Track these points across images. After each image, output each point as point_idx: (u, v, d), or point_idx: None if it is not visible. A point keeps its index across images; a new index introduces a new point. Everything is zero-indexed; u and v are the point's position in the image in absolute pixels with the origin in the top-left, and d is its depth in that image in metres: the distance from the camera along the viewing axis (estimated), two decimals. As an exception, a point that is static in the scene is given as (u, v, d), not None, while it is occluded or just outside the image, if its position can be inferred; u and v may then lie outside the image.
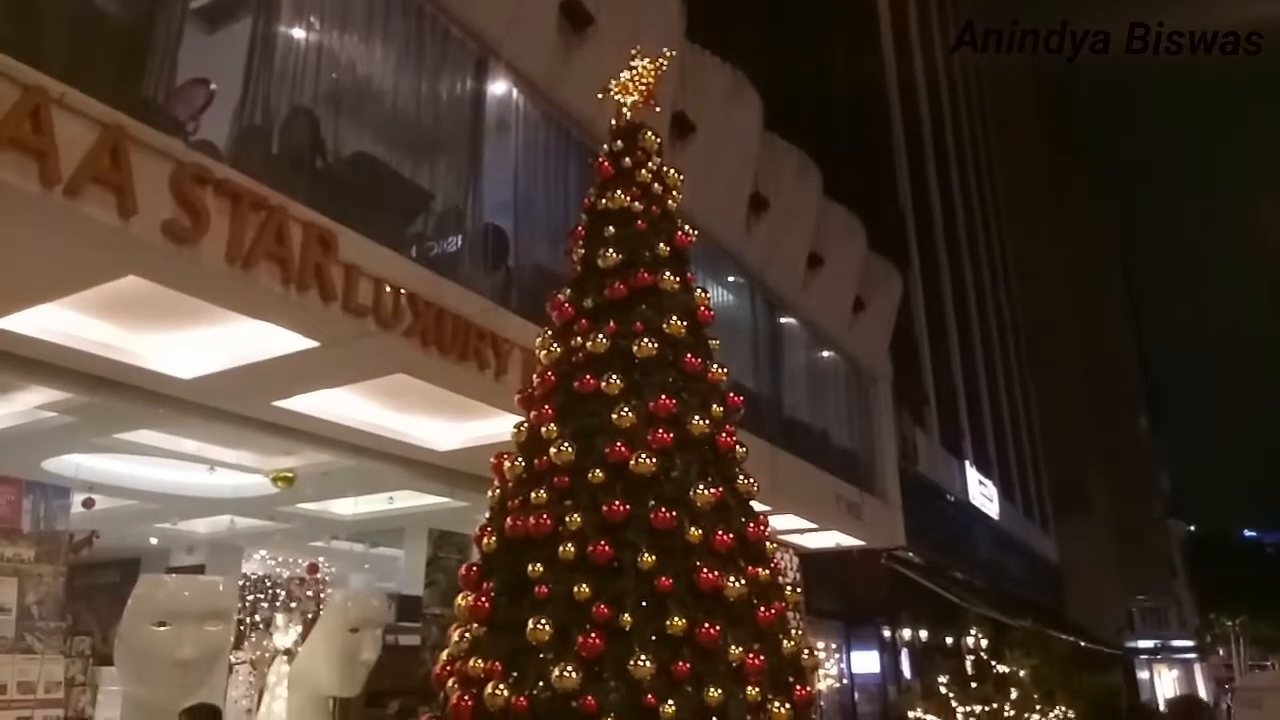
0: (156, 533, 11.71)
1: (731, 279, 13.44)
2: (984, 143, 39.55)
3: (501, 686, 3.31)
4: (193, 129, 5.74)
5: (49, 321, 5.75)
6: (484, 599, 3.66)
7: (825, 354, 16.62)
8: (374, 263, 6.10)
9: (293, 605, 11.25)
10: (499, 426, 6.92)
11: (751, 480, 4.06)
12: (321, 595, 11.03)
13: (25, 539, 6.11)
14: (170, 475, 9.51)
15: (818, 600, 15.77)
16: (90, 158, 4.53)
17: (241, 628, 10.66)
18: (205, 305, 5.68)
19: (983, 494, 28.57)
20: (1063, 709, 14.47)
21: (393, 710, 9.06)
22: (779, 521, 12.32)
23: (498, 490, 4.05)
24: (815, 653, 3.88)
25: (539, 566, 3.54)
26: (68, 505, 6.63)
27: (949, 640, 23.22)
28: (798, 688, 3.60)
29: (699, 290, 4.44)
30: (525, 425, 4.08)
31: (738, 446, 4.09)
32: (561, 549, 3.53)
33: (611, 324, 4.08)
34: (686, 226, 4.53)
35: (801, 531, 14.22)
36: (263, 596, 11.63)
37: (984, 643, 18.94)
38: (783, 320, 15.12)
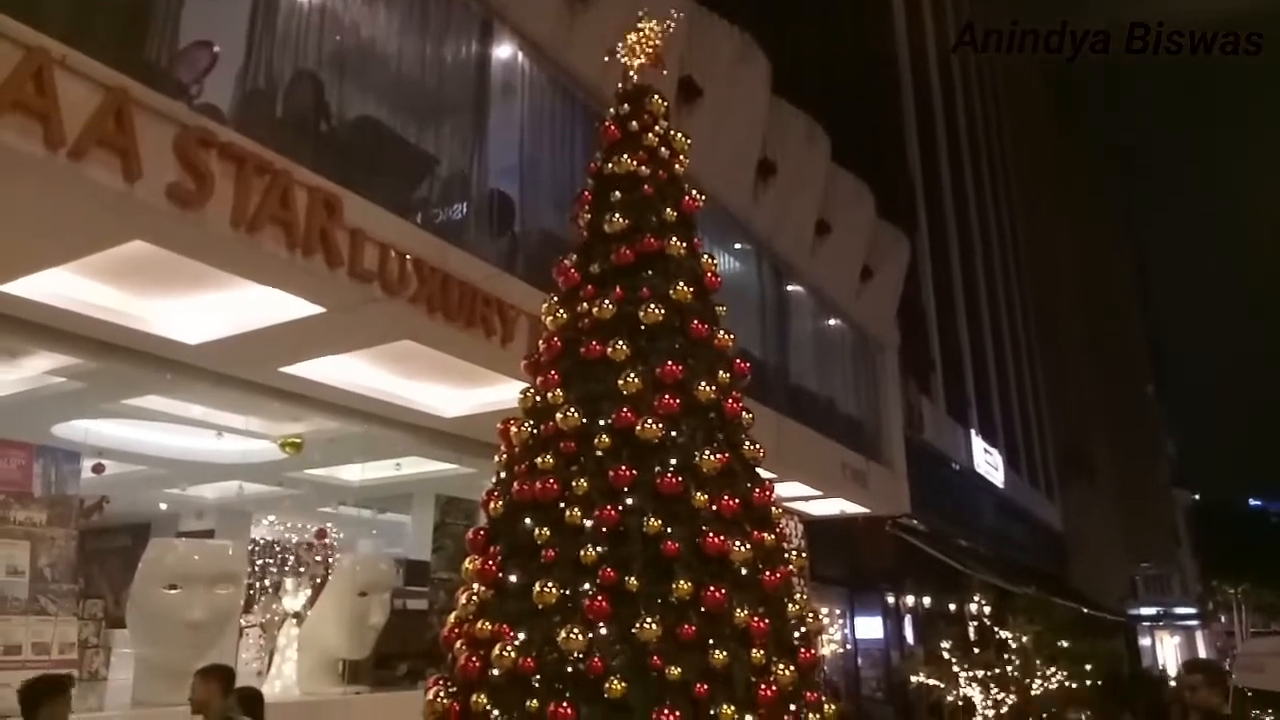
0: (166, 498, 11.82)
1: (738, 246, 13.38)
2: (994, 111, 39.09)
3: (509, 648, 3.34)
4: (196, 92, 5.69)
5: (56, 286, 5.75)
6: (491, 562, 3.68)
7: (832, 322, 16.58)
8: (379, 228, 6.08)
9: (301, 570, 11.35)
10: (505, 393, 6.93)
11: (757, 446, 4.06)
12: (330, 560, 11.12)
13: (36, 503, 6.15)
14: (178, 440, 9.58)
15: (822, 567, 15.89)
16: (94, 121, 4.50)
17: (251, 592, 10.76)
18: (211, 270, 5.68)
19: (987, 462, 28.61)
20: (1064, 674, 14.60)
21: (401, 672, 9.15)
22: (784, 489, 12.36)
23: (504, 456, 4.06)
24: (819, 617, 3.90)
25: (545, 531, 3.56)
26: (78, 470, 6.67)
27: (952, 607, 23.39)
28: (802, 651, 3.63)
29: (706, 256, 4.41)
30: (531, 391, 4.08)
31: (744, 412, 4.09)
32: (568, 513, 3.54)
33: (618, 289, 4.06)
34: (694, 191, 4.49)
35: (807, 499, 14.28)
36: (272, 561, 11.74)
37: (987, 609, 19.09)
38: (790, 288, 15.06)
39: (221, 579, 6.82)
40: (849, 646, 19.86)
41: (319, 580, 10.26)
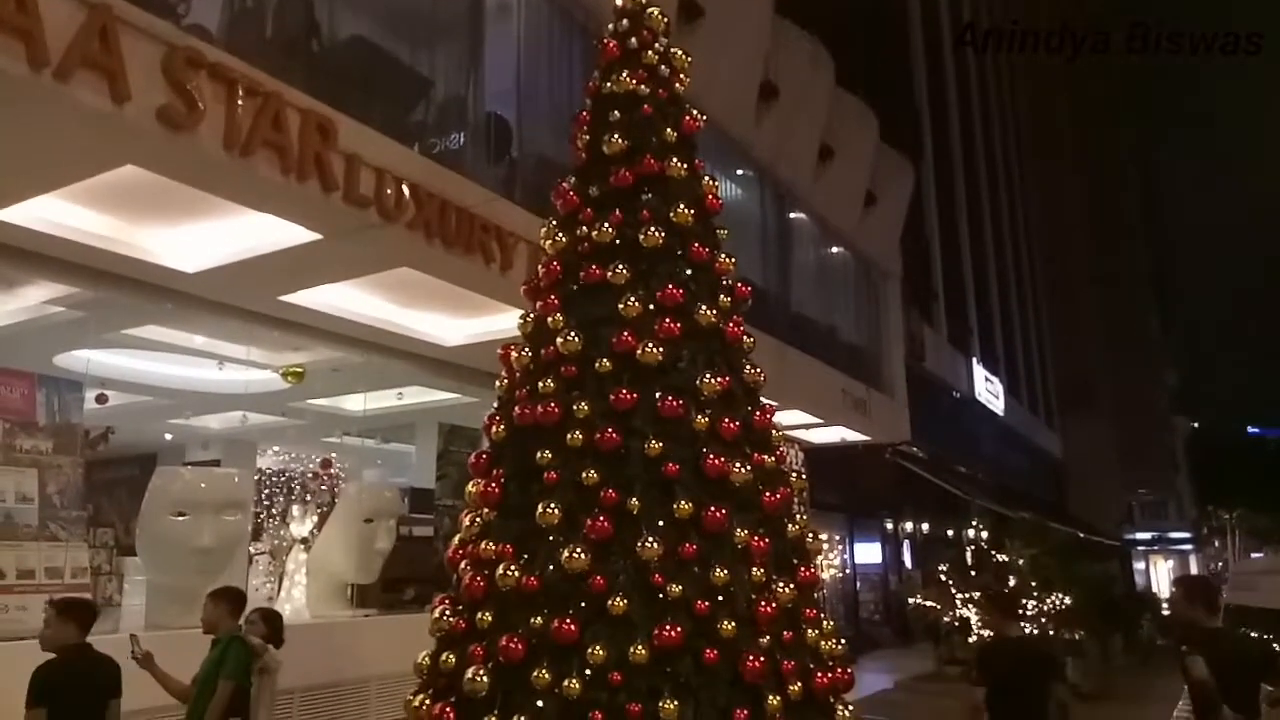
0: (171, 429, 11.90)
1: (740, 172, 13.19)
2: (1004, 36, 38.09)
3: (513, 567, 3.39)
4: (184, 11, 5.54)
5: (52, 214, 5.69)
6: (494, 485, 3.71)
7: (834, 249, 16.45)
8: (375, 152, 5.97)
9: (308, 498, 11.51)
10: (506, 322, 6.91)
11: (758, 370, 4.06)
12: (335, 489, 11.26)
13: (42, 431, 6.18)
14: (180, 371, 9.59)
15: (822, 494, 16.06)
16: (79, 39, 4.37)
17: (259, 520, 10.93)
18: (206, 197, 5.60)
19: (988, 390, 28.74)
20: (1059, 596, 14.88)
21: (408, 597, 9.33)
22: (785, 417, 12.40)
23: (505, 381, 4.07)
24: (819, 538, 3.95)
25: (547, 453, 3.58)
26: (81, 399, 6.68)
27: (950, 532, 23.76)
28: (801, 569, 3.68)
29: (707, 178, 4.34)
30: (531, 316, 4.06)
31: (745, 337, 4.07)
32: (569, 436, 3.56)
33: (617, 213, 4.01)
34: (694, 111, 4.40)
35: (807, 427, 14.36)
36: (278, 490, 11.90)
37: (984, 534, 19.37)
38: (791, 215, 14.90)
39: (228, 506, 6.90)
40: (848, 572, 20.24)
41: (325, 508, 10.41)
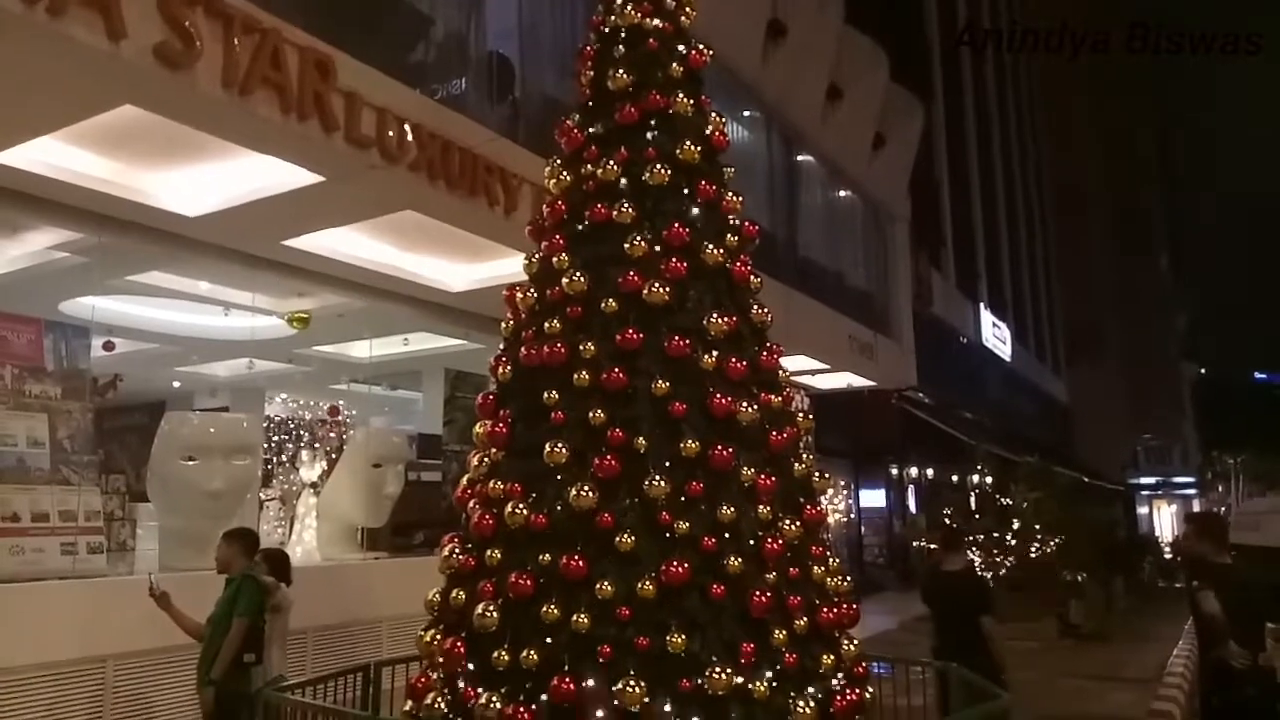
0: (179, 376, 11.95)
1: (747, 113, 12.98)
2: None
3: (521, 506, 3.40)
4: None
5: (52, 157, 5.64)
6: (501, 425, 3.71)
7: (842, 193, 16.27)
8: (375, 92, 5.87)
9: (316, 444, 11.60)
10: (511, 267, 6.85)
11: (765, 310, 4.02)
12: (344, 436, 11.34)
13: (50, 376, 6.21)
14: (186, 318, 9.60)
15: (827, 440, 16.12)
16: (71, -25, 4.28)
17: (268, 466, 11.04)
18: (207, 139, 5.53)
19: (995, 336, 28.67)
20: (1062, 538, 15.02)
21: (418, 540, 9.46)
22: (791, 362, 12.39)
23: (511, 322, 4.04)
24: (825, 476, 3.95)
25: (554, 394, 3.57)
26: (88, 345, 6.69)
27: (955, 478, 23.92)
28: (808, 507, 3.69)
29: (713, 115, 4.25)
30: (537, 257, 4.02)
31: (752, 276, 4.03)
32: (576, 376, 3.54)
33: (622, 150, 3.94)
34: (700, 45, 4.29)
35: (813, 373, 14.36)
36: (287, 437, 12.00)
37: (989, 479, 19.49)
38: (799, 157, 14.70)
39: (238, 450, 6.95)
40: (853, 516, 20.42)
41: (333, 454, 10.49)
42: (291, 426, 12.22)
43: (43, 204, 6.06)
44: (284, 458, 11.68)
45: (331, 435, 11.90)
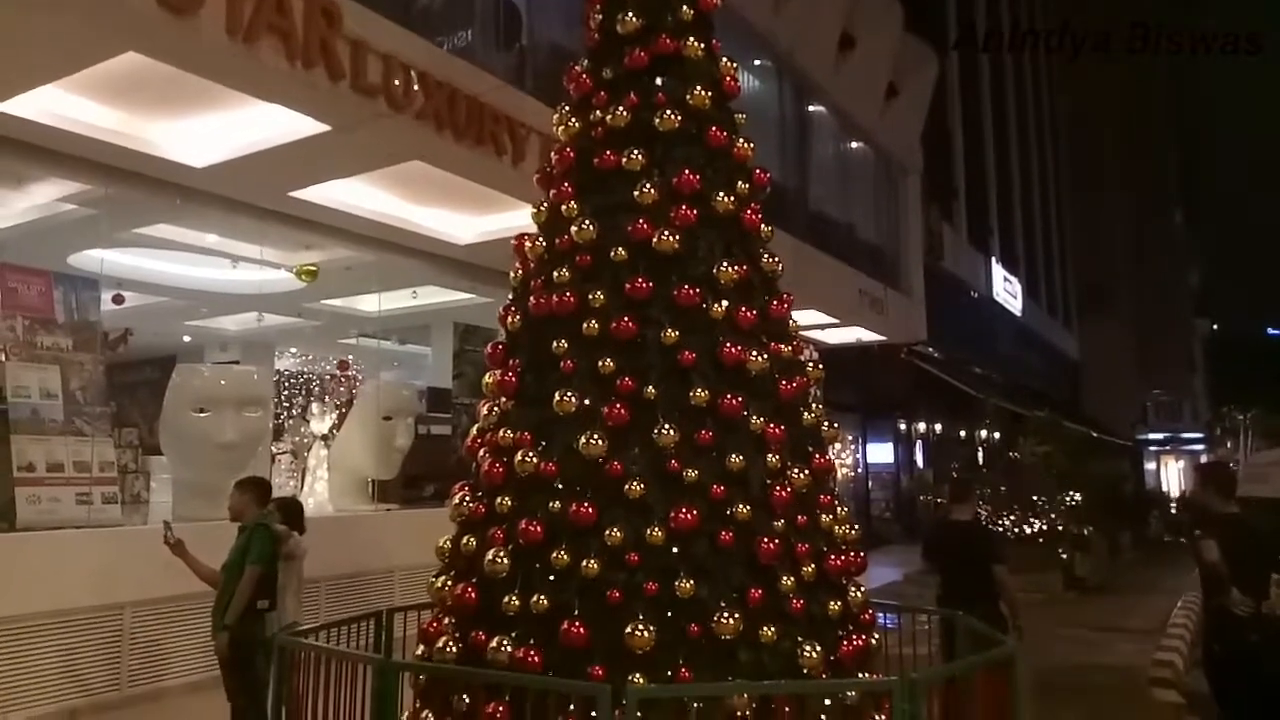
0: (189, 331, 11.99)
1: (758, 62, 12.76)
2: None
3: (531, 454, 3.41)
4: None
5: (58, 107, 5.59)
6: (511, 374, 3.71)
7: (854, 144, 16.05)
8: (381, 39, 5.79)
9: (326, 398, 11.66)
10: (518, 219, 6.80)
11: (776, 259, 3.99)
12: (353, 390, 11.39)
13: (61, 328, 6.23)
14: (195, 271, 9.60)
15: (836, 395, 16.11)
16: (70, -82, 4.20)
17: (279, 420, 11.11)
18: (213, 88, 5.47)
19: (1006, 290, 28.48)
20: (1071, 493, 15.07)
21: (428, 493, 9.54)
22: (801, 317, 12.31)
23: (520, 271, 4.02)
24: (834, 426, 3.95)
25: (563, 343, 3.56)
26: (97, 297, 6.70)
27: (963, 433, 23.95)
28: (816, 456, 3.69)
29: (724, 60, 4.18)
30: (545, 205, 3.98)
31: (763, 225, 3.98)
32: (585, 325, 3.52)
33: (632, 96, 3.87)
34: (711, -14, 4.19)
35: (823, 327, 14.31)
36: (297, 391, 12.06)
37: (997, 435, 19.49)
38: (810, 108, 14.48)
39: (248, 402, 6.99)
40: (860, 471, 20.49)
41: (344, 408, 10.54)
42: (301, 380, 12.28)
43: (49, 155, 6.03)
44: (294, 412, 11.75)
45: (341, 389, 11.95)
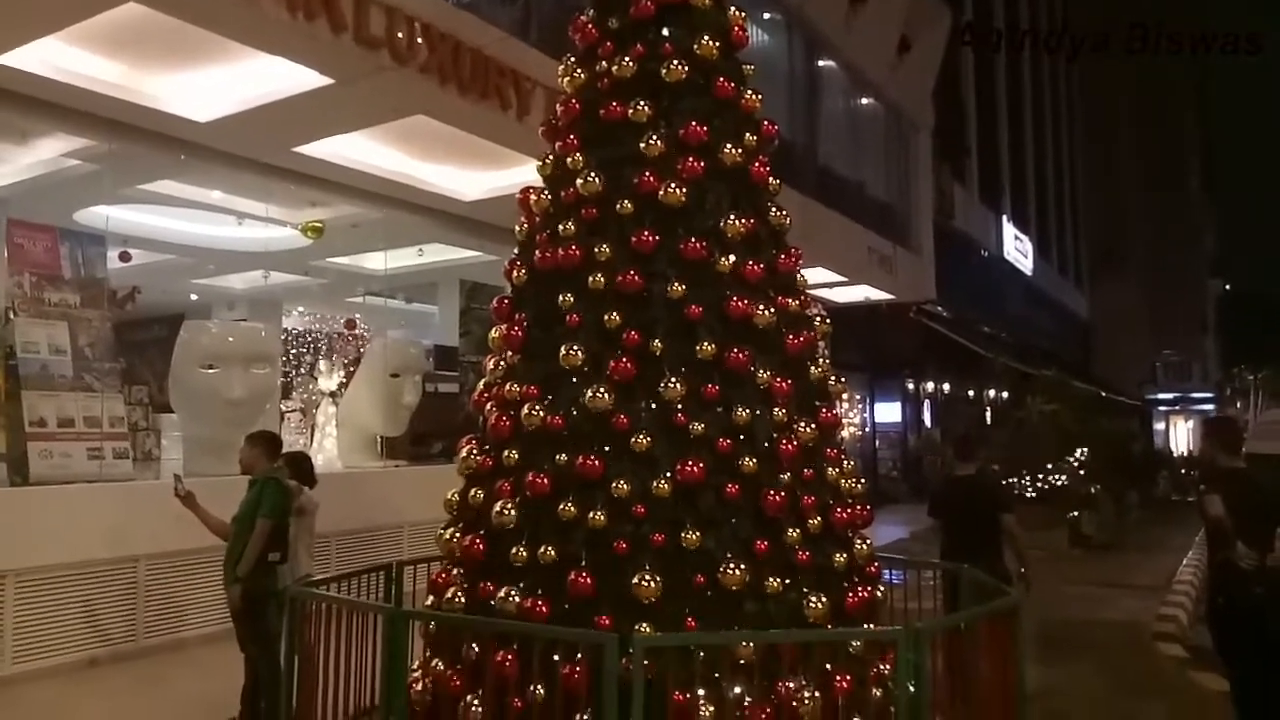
0: (196, 289, 11.99)
1: (767, 16, 12.54)
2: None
3: (538, 408, 3.42)
4: None
5: (61, 60, 5.54)
6: (517, 328, 3.70)
7: (865, 100, 15.82)
8: (384, -10, 5.70)
9: (333, 356, 11.69)
10: (524, 175, 6.72)
11: (784, 212, 3.94)
12: (361, 348, 11.41)
13: (68, 284, 6.23)
14: (201, 228, 9.57)
15: (844, 354, 16.07)
16: None
17: (288, 378, 11.15)
18: (215, 40, 5.41)
19: (1017, 249, 28.22)
20: (1080, 452, 15.07)
21: (436, 450, 9.60)
22: (809, 275, 12.21)
23: (525, 225, 3.99)
24: (841, 380, 3.93)
25: (569, 297, 3.54)
26: (104, 253, 6.70)
27: (971, 393, 23.90)
28: (823, 410, 3.68)
29: (732, 9, 4.09)
30: (550, 157, 3.94)
31: (770, 177, 3.94)
32: (591, 279, 3.51)
33: (638, 46, 3.81)
34: (720, -67, 4.10)
35: (831, 285, 14.22)
36: (305, 350, 12.08)
37: (1005, 395, 19.43)
38: (821, 63, 14.26)
39: (256, 359, 7.01)
40: (867, 430, 20.49)
41: (351, 366, 10.57)
42: (309, 338, 12.30)
43: (52, 109, 5.99)
44: (302, 371, 11.79)
45: (349, 347, 11.97)
